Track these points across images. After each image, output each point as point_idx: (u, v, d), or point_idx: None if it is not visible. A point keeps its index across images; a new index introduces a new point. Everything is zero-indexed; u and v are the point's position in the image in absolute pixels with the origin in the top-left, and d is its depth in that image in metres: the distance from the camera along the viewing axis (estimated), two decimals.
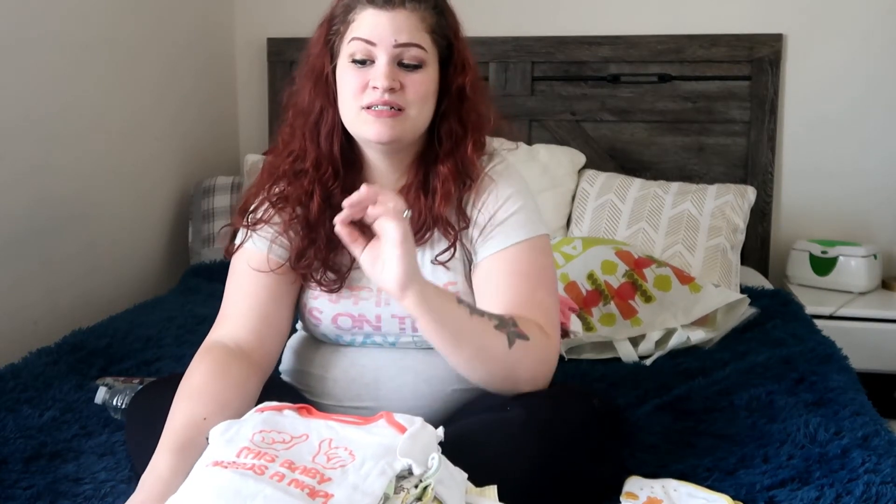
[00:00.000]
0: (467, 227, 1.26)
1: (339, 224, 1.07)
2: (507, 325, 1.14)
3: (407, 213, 1.05)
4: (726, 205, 2.31)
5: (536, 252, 1.25)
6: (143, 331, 1.85)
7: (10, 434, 1.33)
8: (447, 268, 1.26)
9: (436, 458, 0.92)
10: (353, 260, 1.26)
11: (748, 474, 1.20)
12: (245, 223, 1.28)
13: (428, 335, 1.12)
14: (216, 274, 2.33)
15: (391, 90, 1.17)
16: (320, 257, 1.25)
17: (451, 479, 0.93)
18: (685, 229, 2.27)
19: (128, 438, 1.28)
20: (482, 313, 1.14)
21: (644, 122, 2.63)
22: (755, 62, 2.54)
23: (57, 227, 2.03)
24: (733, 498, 1.11)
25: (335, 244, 1.23)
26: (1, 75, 1.84)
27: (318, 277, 1.27)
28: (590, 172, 2.52)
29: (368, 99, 1.18)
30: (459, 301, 1.13)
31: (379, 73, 1.17)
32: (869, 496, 1.10)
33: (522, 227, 1.25)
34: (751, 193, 2.38)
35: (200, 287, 2.26)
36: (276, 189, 1.29)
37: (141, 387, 1.36)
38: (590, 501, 1.10)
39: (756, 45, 2.54)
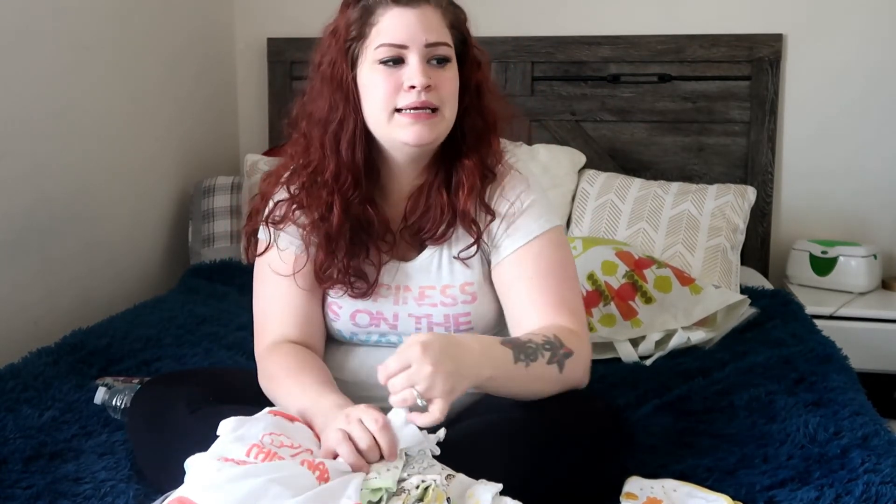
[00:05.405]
0: (493, 218, 1.25)
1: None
2: (557, 353, 1.14)
3: (421, 402, 1.01)
4: (726, 205, 2.31)
5: (554, 246, 1.26)
6: (143, 331, 1.85)
7: (10, 434, 1.33)
8: (467, 265, 1.26)
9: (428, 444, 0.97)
10: (379, 266, 1.27)
11: (748, 474, 1.20)
12: (266, 221, 1.27)
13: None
14: (216, 274, 2.34)
15: (427, 88, 1.15)
16: (342, 269, 1.24)
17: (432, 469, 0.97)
18: (685, 229, 2.27)
19: (128, 438, 1.29)
20: (534, 354, 1.12)
21: (644, 122, 2.63)
22: (755, 62, 2.54)
23: (57, 227, 2.03)
24: (733, 498, 1.11)
25: (355, 253, 1.24)
26: (1, 74, 1.84)
27: (345, 289, 1.26)
28: (590, 172, 2.52)
29: (404, 101, 1.16)
30: (517, 360, 1.10)
31: (414, 72, 1.15)
32: (869, 496, 1.10)
33: (537, 220, 1.26)
34: (751, 193, 2.38)
35: (200, 287, 2.26)
36: (294, 188, 1.26)
37: (140, 386, 1.35)
38: (590, 502, 1.10)
39: (756, 45, 2.53)
